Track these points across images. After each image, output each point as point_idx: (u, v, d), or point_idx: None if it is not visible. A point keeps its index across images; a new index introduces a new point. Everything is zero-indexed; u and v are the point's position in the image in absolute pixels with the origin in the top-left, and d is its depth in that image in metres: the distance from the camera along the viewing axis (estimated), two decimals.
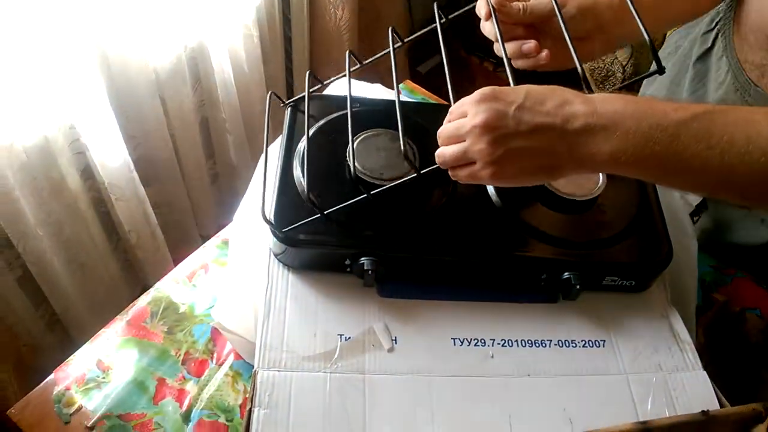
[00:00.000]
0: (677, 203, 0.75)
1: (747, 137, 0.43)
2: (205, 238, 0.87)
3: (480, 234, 0.65)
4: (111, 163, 1.10)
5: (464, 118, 0.49)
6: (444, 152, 0.51)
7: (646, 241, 0.66)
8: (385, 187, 0.61)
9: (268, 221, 0.63)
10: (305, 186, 0.66)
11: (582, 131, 0.45)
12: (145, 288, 0.88)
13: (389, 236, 0.64)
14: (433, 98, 1.03)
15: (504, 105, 0.47)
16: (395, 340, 0.62)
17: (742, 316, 0.73)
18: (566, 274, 0.63)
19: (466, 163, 0.50)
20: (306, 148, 0.65)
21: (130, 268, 1.33)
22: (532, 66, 0.60)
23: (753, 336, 0.71)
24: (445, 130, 0.51)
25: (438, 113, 0.57)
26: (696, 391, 0.60)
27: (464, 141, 0.49)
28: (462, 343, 0.63)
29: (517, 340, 0.63)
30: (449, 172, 0.52)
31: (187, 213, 1.38)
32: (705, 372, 0.61)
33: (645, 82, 0.94)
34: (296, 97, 0.78)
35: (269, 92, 0.74)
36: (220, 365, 0.70)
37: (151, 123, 1.19)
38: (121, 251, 1.30)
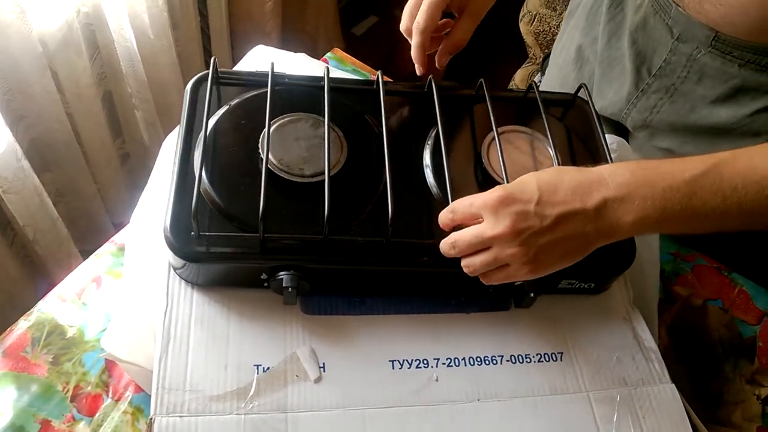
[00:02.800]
0: None
1: (757, 183, 0.45)
2: (118, 227, 0.75)
3: (420, 237, 0.56)
4: None
5: (478, 223, 0.49)
6: (473, 262, 0.50)
7: None
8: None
9: (165, 230, 0.52)
10: (208, 184, 0.55)
11: (601, 207, 0.46)
12: (52, 286, 0.77)
13: (313, 244, 0.53)
14: (365, 69, 0.92)
15: (522, 205, 0.47)
16: (323, 367, 0.52)
17: (704, 309, 0.67)
18: None
19: (499, 267, 0.50)
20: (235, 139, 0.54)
21: (31, 266, 1.18)
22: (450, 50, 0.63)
23: (715, 331, 0.66)
24: (463, 239, 0.50)
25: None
26: (664, 408, 0.53)
27: (489, 248, 0.49)
28: (402, 365, 0.54)
29: (464, 358, 0.55)
30: (480, 278, 0.52)
31: (95, 199, 1.23)
32: (673, 385, 0.54)
33: (566, 16, 0.86)
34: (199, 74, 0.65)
35: (213, 58, 0.63)
36: (117, 401, 0.59)
37: (42, 101, 1.03)
38: (18, 248, 1.14)
